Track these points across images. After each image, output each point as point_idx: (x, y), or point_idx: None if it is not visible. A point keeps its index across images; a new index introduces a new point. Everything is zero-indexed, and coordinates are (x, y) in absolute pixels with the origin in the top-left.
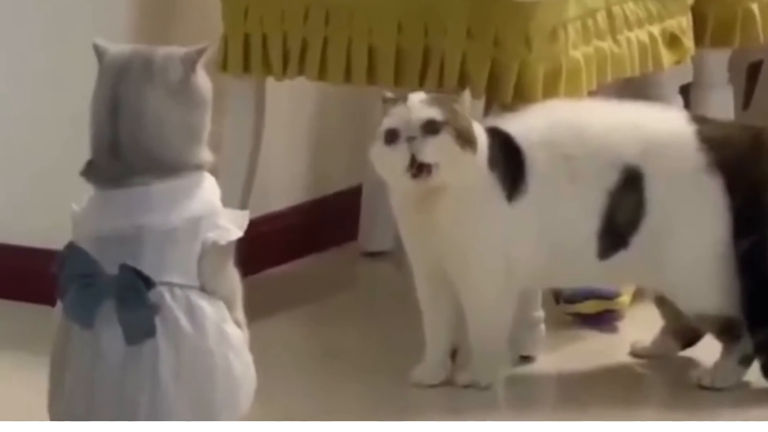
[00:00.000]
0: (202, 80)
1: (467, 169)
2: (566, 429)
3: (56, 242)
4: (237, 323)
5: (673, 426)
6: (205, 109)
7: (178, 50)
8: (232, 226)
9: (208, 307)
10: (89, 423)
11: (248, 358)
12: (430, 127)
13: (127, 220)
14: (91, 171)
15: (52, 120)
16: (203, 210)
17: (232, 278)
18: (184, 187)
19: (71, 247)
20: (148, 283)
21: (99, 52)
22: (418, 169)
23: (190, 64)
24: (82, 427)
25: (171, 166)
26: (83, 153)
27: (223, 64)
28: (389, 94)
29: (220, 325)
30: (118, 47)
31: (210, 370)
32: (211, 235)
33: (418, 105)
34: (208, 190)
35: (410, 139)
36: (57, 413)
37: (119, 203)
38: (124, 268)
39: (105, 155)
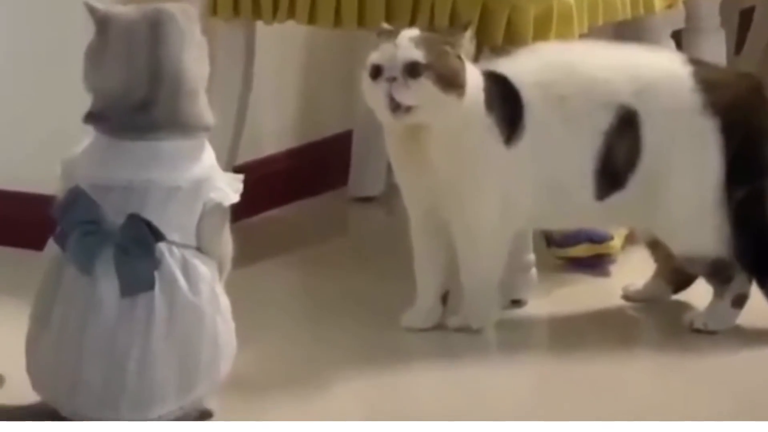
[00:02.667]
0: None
1: (450, 112)
2: (565, 429)
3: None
4: None
5: (673, 426)
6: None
7: (184, 6)
8: (230, 189)
9: (203, 268)
10: (89, 423)
11: (232, 324)
12: (412, 70)
13: (137, 173)
14: (101, 120)
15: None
16: (206, 172)
17: (227, 244)
18: (192, 148)
19: (76, 191)
20: (156, 235)
21: (94, 13)
22: (397, 107)
23: (197, 17)
24: (83, 426)
25: (190, 125)
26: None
27: (212, 8)
28: (386, 26)
29: (213, 287)
30: (119, 8)
31: (200, 331)
32: (214, 196)
33: (406, 44)
34: (209, 153)
35: (390, 79)
36: (39, 358)
37: (131, 154)
38: (134, 218)
39: (131, 110)
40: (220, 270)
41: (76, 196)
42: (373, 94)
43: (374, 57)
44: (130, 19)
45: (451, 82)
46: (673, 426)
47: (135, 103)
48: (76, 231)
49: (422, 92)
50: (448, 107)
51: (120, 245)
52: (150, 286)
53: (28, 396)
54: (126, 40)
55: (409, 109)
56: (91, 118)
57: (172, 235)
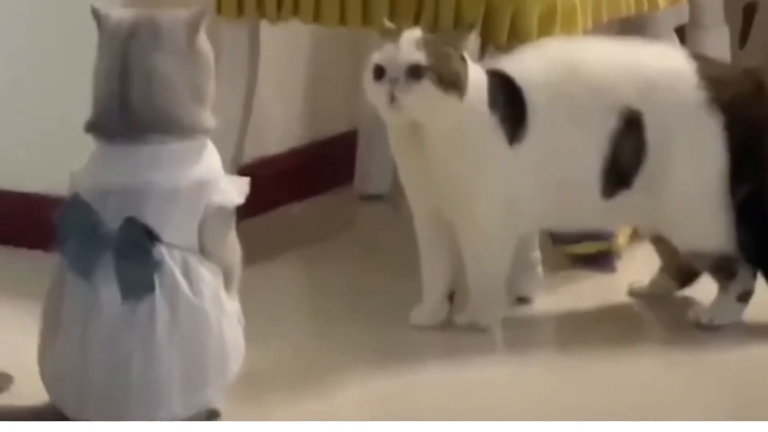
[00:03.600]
0: (206, 44)
1: (449, 112)
2: (565, 429)
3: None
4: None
5: (674, 426)
6: (209, 73)
7: (183, 14)
8: (234, 192)
9: (204, 270)
10: (92, 423)
11: (239, 327)
12: (413, 72)
13: (134, 176)
14: (97, 127)
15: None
16: (208, 174)
17: (234, 249)
18: (192, 150)
19: (74, 198)
20: (153, 238)
21: (98, 18)
22: (398, 104)
23: (194, 27)
24: (84, 427)
25: (181, 127)
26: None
27: (217, 8)
28: (388, 24)
29: (215, 290)
30: (119, 12)
31: (204, 334)
32: (216, 198)
33: (408, 46)
34: (212, 155)
35: (393, 81)
36: (49, 365)
37: (128, 159)
38: (130, 221)
39: (114, 114)
40: (230, 273)
41: (73, 203)
42: (376, 94)
43: (377, 57)
44: (116, 24)
45: (453, 84)
46: (678, 426)
47: (115, 106)
48: (74, 237)
49: (423, 94)
50: (448, 108)
51: (118, 249)
52: (150, 289)
53: (36, 396)
54: (108, 44)
55: (409, 107)
56: (89, 125)
57: (172, 237)
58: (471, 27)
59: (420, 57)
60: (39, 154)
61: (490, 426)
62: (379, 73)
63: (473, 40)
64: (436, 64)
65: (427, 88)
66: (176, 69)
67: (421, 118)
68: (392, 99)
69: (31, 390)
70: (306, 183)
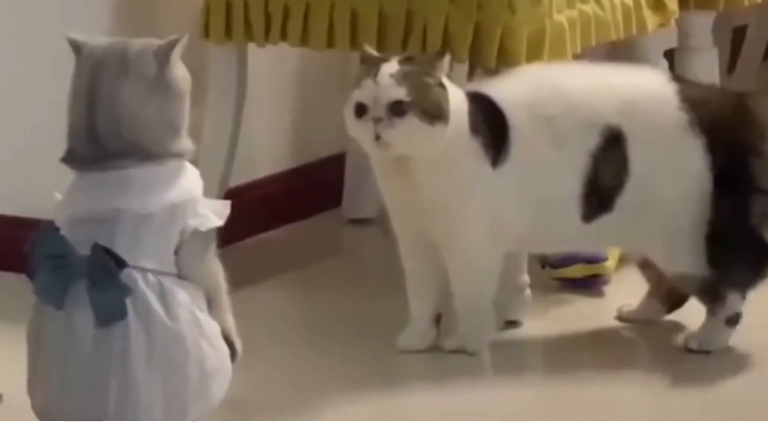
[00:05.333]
0: (178, 72)
1: (436, 143)
2: (563, 429)
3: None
4: (226, 330)
5: (671, 426)
6: (182, 101)
7: (153, 43)
8: (213, 215)
9: (181, 294)
10: (87, 423)
11: (223, 349)
12: (396, 109)
13: (103, 203)
14: (70, 157)
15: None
16: (181, 198)
17: (214, 270)
18: (163, 175)
19: (43, 227)
20: (119, 263)
21: (75, 46)
22: (384, 143)
23: (163, 57)
24: (80, 427)
25: (150, 153)
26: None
27: (204, 31)
28: (369, 50)
29: (193, 313)
30: (94, 40)
31: (182, 357)
32: (192, 222)
33: (387, 82)
34: (188, 179)
35: (376, 119)
36: (34, 393)
37: (96, 186)
38: (96, 248)
39: (83, 141)
40: (214, 296)
41: (43, 232)
42: (359, 132)
43: (357, 95)
44: (88, 52)
45: (436, 115)
46: (672, 426)
47: (83, 134)
48: (44, 266)
49: (408, 130)
50: (434, 139)
51: (89, 276)
52: (122, 314)
53: (26, 414)
54: (79, 72)
55: (396, 144)
56: (65, 155)
57: (147, 262)
58: (444, 52)
59: (401, 93)
60: (16, 177)
61: (483, 426)
62: (361, 110)
63: (447, 64)
64: (417, 97)
65: (411, 123)
66: (144, 97)
67: (407, 152)
68: (377, 137)
69: (23, 407)
70: (294, 206)
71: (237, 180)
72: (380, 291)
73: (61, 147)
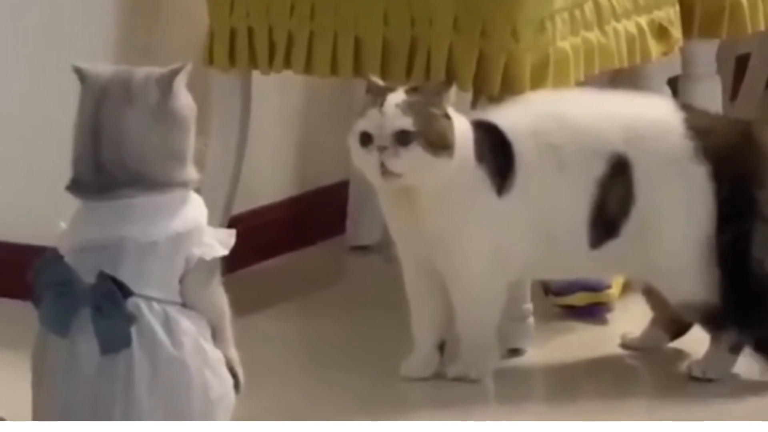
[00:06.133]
0: (182, 101)
1: (441, 173)
2: (564, 429)
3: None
4: (229, 360)
5: (669, 426)
6: (186, 130)
7: (156, 71)
8: (218, 244)
9: (186, 322)
10: (88, 423)
11: (227, 378)
12: (402, 138)
13: (108, 231)
14: (75, 185)
15: (43, 122)
16: (186, 227)
17: (219, 299)
18: (168, 203)
19: (47, 255)
20: (125, 291)
21: (80, 74)
22: (388, 172)
23: (165, 85)
24: (80, 427)
25: (154, 182)
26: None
27: (208, 58)
28: (374, 80)
29: (198, 341)
30: (98, 69)
31: (186, 385)
32: (197, 251)
33: (393, 111)
34: (193, 208)
35: (381, 148)
36: (38, 419)
37: (101, 214)
38: (102, 276)
39: (88, 170)
40: (218, 325)
41: (47, 259)
42: (364, 161)
43: (362, 124)
44: (92, 80)
45: (441, 146)
46: (670, 426)
47: (88, 163)
48: (48, 294)
49: (413, 159)
50: (439, 169)
51: (93, 304)
52: (127, 343)
53: None
54: (83, 100)
55: (400, 174)
56: (69, 184)
57: (152, 291)
58: (450, 82)
59: (406, 122)
60: (19, 204)
61: (484, 426)
62: (366, 139)
63: (454, 96)
64: (423, 128)
65: (416, 153)
66: (147, 127)
67: (413, 182)
68: (382, 166)
69: None
70: (297, 233)
71: (240, 207)
72: (383, 318)
73: (64, 173)
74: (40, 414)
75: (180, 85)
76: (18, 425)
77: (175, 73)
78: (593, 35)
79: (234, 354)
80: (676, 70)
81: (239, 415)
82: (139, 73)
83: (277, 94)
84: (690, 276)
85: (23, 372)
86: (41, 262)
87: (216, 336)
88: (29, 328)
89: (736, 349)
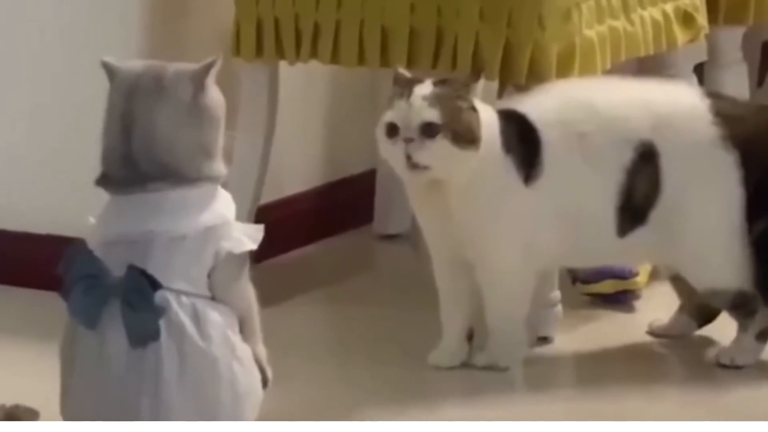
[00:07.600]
0: (213, 96)
1: (466, 166)
2: (566, 429)
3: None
4: (257, 356)
5: (679, 426)
6: (216, 126)
7: (188, 67)
8: (246, 238)
9: (214, 315)
10: (90, 423)
11: (255, 372)
12: (428, 131)
13: (137, 225)
14: (104, 180)
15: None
16: (215, 221)
17: (247, 293)
18: (197, 198)
19: (77, 247)
20: (154, 284)
21: (109, 70)
22: (414, 165)
23: (199, 81)
24: (84, 427)
25: (184, 177)
26: (87, 145)
27: (235, 49)
28: (401, 71)
29: (226, 334)
30: (128, 64)
31: (214, 378)
32: (226, 245)
33: (420, 103)
34: (222, 202)
35: (407, 140)
36: (66, 412)
37: (130, 208)
38: (132, 269)
39: (118, 165)
40: (246, 320)
41: (77, 252)
42: (391, 153)
43: (389, 116)
44: (123, 76)
45: (468, 139)
46: (680, 426)
47: (118, 158)
48: (78, 286)
49: (439, 152)
50: (465, 162)
51: (123, 297)
52: (155, 336)
53: None
54: (113, 96)
55: (426, 167)
56: (99, 178)
57: (180, 284)
58: (479, 74)
59: (433, 115)
60: (48, 195)
61: (499, 426)
62: (393, 131)
63: (482, 87)
64: (449, 120)
65: (442, 145)
66: (179, 122)
67: (439, 175)
68: (408, 158)
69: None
70: (325, 223)
71: (268, 197)
72: (411, 307)
73: (91, 165)
74: (68, 405)
75: (211, 80)
76: (19, 425)
77: (209, 68)
78: (619, 23)
79: (262, 350)
80: (702, 57)
81: (268, 405)
82: (171, 69)
83: (304, 84)
84: (717, 263)
85: (53, 363)
86: (71, 254)
87: (244, 331)
88: (58, 319)
89: (763, 336)
